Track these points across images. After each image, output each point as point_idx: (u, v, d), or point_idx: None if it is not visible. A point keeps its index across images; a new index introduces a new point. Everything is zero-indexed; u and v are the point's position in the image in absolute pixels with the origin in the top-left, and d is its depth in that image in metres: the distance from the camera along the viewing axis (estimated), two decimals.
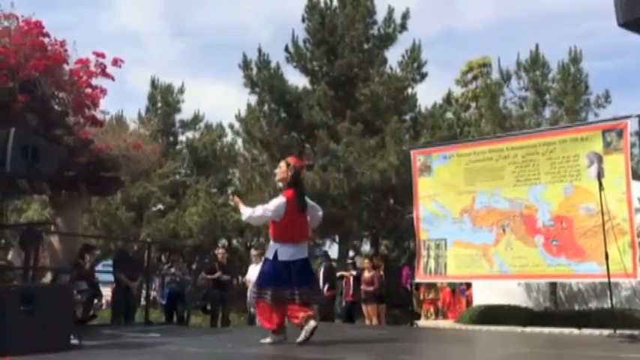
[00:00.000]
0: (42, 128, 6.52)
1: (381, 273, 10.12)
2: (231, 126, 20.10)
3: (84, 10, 56.16)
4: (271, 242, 4.90)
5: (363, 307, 9.88)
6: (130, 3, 61.03)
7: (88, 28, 52.03)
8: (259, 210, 4.78)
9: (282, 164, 4.98)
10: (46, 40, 7.06)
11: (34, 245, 6.46)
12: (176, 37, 58.82)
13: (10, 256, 8.17)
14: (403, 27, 14.69)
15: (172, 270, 10.80)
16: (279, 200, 4.78)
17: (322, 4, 14.83)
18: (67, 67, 7.26)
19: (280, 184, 5.12)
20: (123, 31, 57.68)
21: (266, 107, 14.80)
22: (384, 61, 14.83)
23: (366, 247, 19.22)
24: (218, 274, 9.33)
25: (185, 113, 22.42)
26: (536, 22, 40.85)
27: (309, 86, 14.81)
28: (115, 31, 57.17)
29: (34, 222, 13.56)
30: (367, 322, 9.77)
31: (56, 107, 7.23)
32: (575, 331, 6.81)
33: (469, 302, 11.01)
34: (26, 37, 6.79)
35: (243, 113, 15.68)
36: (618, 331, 5.84)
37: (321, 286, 10.08)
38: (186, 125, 22.33)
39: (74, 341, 4.69)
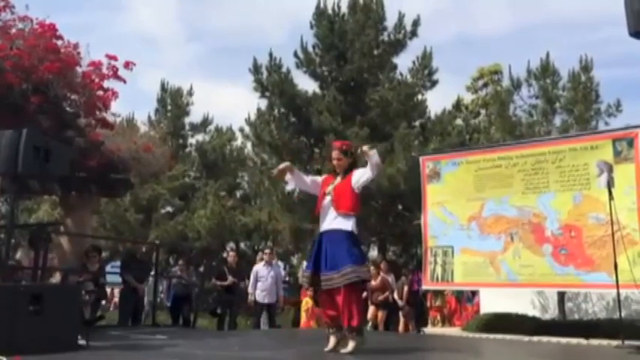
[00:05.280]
0: (54, 130, 6.58)
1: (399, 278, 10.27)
2: (241, 129, 20.21)
3: (99, 12, 56.68)
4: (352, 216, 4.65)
5: (369, 313, 9.87)
6: (145, 6, 61.51)
7: (103, 30, 52.46)
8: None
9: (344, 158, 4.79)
10: (59, 42, 7.13)
11: (44, 245, 6.52)
12: (190, 40, 59.20)
13: (18, 256, 8.23)
14: (414, 33, 14.69)
15: (179, 272, 10.85)
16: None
17: (330, 11, 14.87)
18: (79, 70, 7.33)
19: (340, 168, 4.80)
20: (137, 33, 58.10)
21: (276, 111, 14.84)
22: (394, 67, 14.84)
23: (374, 253, 19.18)
24: (230, 280, 9.33)
25: (195, 116, 22.55)
26: (550, 30, 40.71)
27: (318, 91, 14.84)
28: (129, 33, 57.61)
29: (43, 222, 13.66)
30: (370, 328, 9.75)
31: (68, 109, 7.30)
32: (583, 341, 6.74)
33: (476, 310, 10.96)
34: (40, 39, 6.87)
35: (253, 117, 15.77)
36: (626, 342, 5.78)
37: None
38: (196, 128, 22.44)
39: (81, 342, 4.72)
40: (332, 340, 4.52)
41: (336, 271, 4.34)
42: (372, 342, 5.97)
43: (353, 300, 4.38)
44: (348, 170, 4.77)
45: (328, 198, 4.67)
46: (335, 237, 4.52)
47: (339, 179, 4.77)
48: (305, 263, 4.67)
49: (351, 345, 4.40)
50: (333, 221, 4.59)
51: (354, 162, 4.86)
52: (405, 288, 10.31)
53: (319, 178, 4.98)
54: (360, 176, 4.65)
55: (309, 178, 5.05)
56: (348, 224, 4.56)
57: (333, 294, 4.42)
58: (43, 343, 4.24)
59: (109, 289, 12.03)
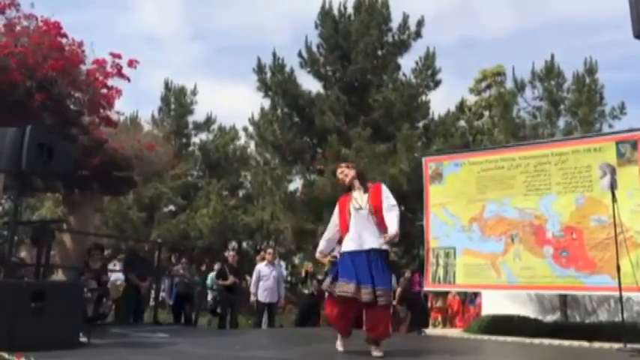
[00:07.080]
0: (57, 127, 6.59)
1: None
2: (245, 129, 20.24)
3: (103, 11, 56.75)
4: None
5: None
6: (150, 5, 61.60)
7: (107, 28, 52.54)
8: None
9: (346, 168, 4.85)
10: (63, 40, 7.13)
11: (46, 242, 6.53)
12: (194, 40, 59.24)
13: (22, 254, 8.24)
14: (418, 34, 14.70)
15: (181, 271, 10.86)
16: None
17: (335, 11, 14.89)
18: (83, 68, 7.33)
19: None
20: (141, 32, 58.16)
21: (279, 111, 14.87)
22: (398, 67, 14.85)
23: None
24: (231, 279, 9.34)
25: (198, 115, 22.57)
26: (553, 32, 40.61)
27: (322, 91, 14.85)
28: (134, 32, 57.68)
29: (46, 219, 13.70)
30: None
31: (72, 107, 7.31)
32: (585, 344, 6.72)
33: (478, 312, 10.95)
34: (45, 37, 6.87)
35: (256, 116, 15.79)
36: (629, 345, 5.76)
37: None
38: (199, 127, 22.45)
39: (83, 339, 4.73)
40: (342, 344, 4.74)
41: (383, 288, 4.43)
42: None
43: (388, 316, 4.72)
44: (360, 181, 4.74)
45: (363, 212, 4.57)
46: (379, 257, 4.52)
47: (362, 194, 4.66)
48: (330, 275, 4.72)
49: (380, 352, 4.51)
50: (377, 239, 4.54)
51: (359, 171, 4.89)
52: (399, 289, 10.22)
53: (336, 211, 4.82)
54: (386, 210, 4.57)
55: (331, 228, 4.86)
56: (385, 245, 4.59)
57: (359, 306, 4.50)
58: (45, 340, 4.25)
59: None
